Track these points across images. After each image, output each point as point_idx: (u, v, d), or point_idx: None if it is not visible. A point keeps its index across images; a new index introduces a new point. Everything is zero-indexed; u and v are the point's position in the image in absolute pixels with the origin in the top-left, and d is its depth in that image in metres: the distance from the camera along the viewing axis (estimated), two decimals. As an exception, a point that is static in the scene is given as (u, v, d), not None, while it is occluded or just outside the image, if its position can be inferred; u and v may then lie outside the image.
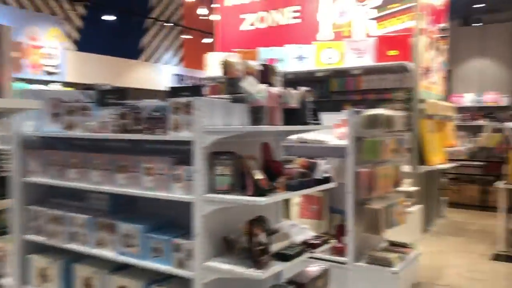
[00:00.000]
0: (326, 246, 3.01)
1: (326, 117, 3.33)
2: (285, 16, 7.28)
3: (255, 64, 2.92)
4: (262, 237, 2.53)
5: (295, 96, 2.80)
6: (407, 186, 6.21)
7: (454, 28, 11.89)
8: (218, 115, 2.60)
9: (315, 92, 3.13)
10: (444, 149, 6.90)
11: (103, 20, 12.32)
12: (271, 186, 2.54)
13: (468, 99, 11.61)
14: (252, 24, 7.47)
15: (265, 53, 6.79)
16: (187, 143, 2.59)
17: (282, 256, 2.61)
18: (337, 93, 6.82)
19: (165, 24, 14.64)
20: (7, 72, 1.71)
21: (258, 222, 2.56)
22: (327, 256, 4.25)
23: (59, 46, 10.66)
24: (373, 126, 4.18)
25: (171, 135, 2.66)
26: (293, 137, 4.10)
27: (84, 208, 3.29)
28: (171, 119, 2.63)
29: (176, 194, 2.68)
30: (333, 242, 3.20)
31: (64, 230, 3.24)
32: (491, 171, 8.48)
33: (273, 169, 2.68)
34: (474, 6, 11.25)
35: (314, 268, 3.08)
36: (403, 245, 4.62)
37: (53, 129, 3.31)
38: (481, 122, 11.19)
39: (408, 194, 6.15)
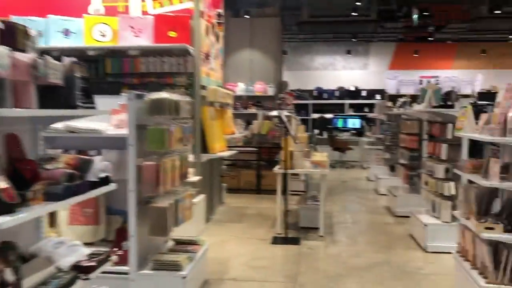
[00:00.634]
0: (104, 266, 2.32)
1: (101, 102, 2.63)
2: (47, -19, 6.07)
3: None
4: (7, 274, 1.70)
5: (57, 68, 2.00)
6: (191, 176, 5.88)
7: (227, 19, 12.20)
8: None
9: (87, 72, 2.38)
10: (224, 137, 6.79)
11: None
12: (20, 197, 1.72)
13: (240, 88, 12.06)
14: (3, -14, 6.02)
15: (21, 23, 5.49)
16: None
17: (42, 296, 1.83)
18: (113, 76, 6.02)
19: None
20: None
21: (0, 252, 1.72)
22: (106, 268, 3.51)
23: None
24: (158, 112, 3.60)
25: None
26: (58, 125, 3.21)
27: None
28: None
29: None
30: (114, 258, 2.51)
31: None
32: (264, 156, 8.88)
33: (23, 172, 1.85)
34: (244, -2, 11.70)
35: (89, 296, 2.36)
36: (191, 242, 4.21)
37: None
38: (253, 110, 11.76)
39: (192, 185, 5.83)
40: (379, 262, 4.90)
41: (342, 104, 15.76)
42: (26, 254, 2.05)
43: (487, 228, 3.38)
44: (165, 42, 5.87)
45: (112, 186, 2.46)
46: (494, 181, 3.36)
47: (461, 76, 15.38)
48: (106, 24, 5.83)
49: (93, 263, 2.21)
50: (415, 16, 10.83)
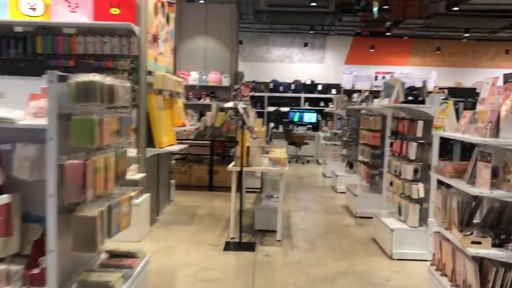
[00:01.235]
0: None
1: (18, 84, 1.97)
2: None
3: None
4: None
5: None
6: (133, 173, 5.15)
7: (180, 3, 11.39)
8: None
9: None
10: (173, 129, 6.09)
11: None
12: None
13: (193, 77, 11.31)
14: None
15: None
16: None
17: None
18: (44, 56, 5.18)
19: None
20: None
21: None
22: (17, 292, 2.79)
23: None
24: (87, 98, 2.88)
25: None
26: None
27: None
28: None
29: None
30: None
31: None
32: (217, 151, 8.23)
33: None
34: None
35: None
36: (128, 255, 3.52)
37: None
38: (207, 101, 11.08)
39: (134, 183, 5.11)
40: (343, 272, 4.39)
41: (298, 98, 15.34)
42: None
43: (473, 243, 2.91)
44: (106, 20, 5.10)
45: (6, 198, 1.75)
46: (484, 189, 2.89)
47: (416, 73, 15.32)
48: (36, -5, 4.98)
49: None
50: (375, 9, 10.48)
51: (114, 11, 5.10)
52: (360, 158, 7.17)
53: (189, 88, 11.38)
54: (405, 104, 4.90)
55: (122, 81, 3.27)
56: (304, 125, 13.41)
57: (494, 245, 2.91)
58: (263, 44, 15.91)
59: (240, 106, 5.23)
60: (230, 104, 9.66)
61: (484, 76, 15.24)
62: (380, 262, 4.70)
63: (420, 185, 4.72)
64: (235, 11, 11.51)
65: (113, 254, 3.49)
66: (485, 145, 2.95)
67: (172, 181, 7.07)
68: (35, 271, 2.92)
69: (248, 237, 5.34)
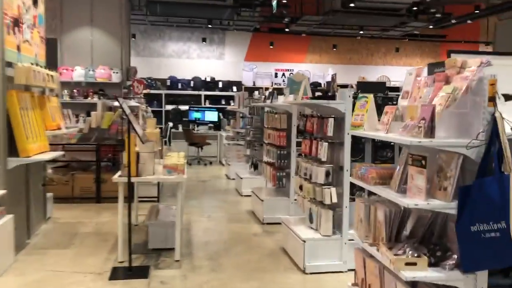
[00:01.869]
0: None
1: None
2: None
3: None
4: None
5: None
6: (-12, 191, 4.04)
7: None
8: None
9: None
10: (46, 133, 5.02)
11: None
12: None
13: (78, 73, 10.02)
14: None
15: None
16: None
17: None
18: None
19: None
20: None
21: None
22: None
23: None
24: None
25: None
26: None
27: None
28: None
29: None
30: None
31: None
32: (105, 156, 7.19)
33: None
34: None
35: None
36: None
37: None
38: (94, 99, 9.87)
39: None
40: (253, 296, 3.76)
41: (199, 96, 14.55)
42: None
43: (408, 264, 2.41)
44: None
45: None
46: (419, 200, 2.40)
47: (313, 70, 15.34)
48: None
49: None
50: (274, 3, 10.10)
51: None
52: (266, 159, 6.64)
53: (74, 85, 10.09)
54: (314, 101, 4.40)
55: None
56: (206, 124, 12.68)
57: (430, 264, 2.44)
58: (159, 38, 14.87)
59: (125, 104, 4.35)
60: (117, 103, 8.64)
61: (376, 73, 15.67)
62: (293, 279, 4.15)
63: (333, 189, 4.25)
64: (125, 0, 10.40)
65: None
66: (416, 147, 2.47)
67: (49, 195, 5.95)
68: None
69: (140, 260, 4.50)
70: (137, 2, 11.86)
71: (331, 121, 4.25)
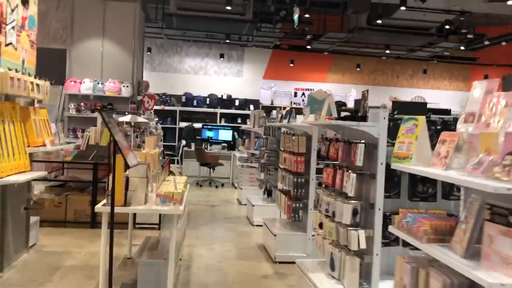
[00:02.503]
0: None
1: None
2: None
3: None
4: None
5: None
6: None
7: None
8: None
9: None
10: (30, 149, 4.34)
11: None
12: None
13: (86, 85, 9.44)
14: None
15: None
16: None
17: None
18: None
19: None
20: None
21: None
22: None
23: None
24: None
25: None
26: None
27: None
28: None
29: None
30: None
31: None
32: (103, 176, 6.47)
33: None
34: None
35: None
36: None
37: None
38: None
39: None
40: None
41: (214, 113, 13.91)
42: None
43: None
44: None
45: None
46: (508, 278, 1.57)
47: (335, 90, 14.54)
48: None
49: None
50: (296, 17, 9.44)
51: None
52: (280, 186, 5.84)
53: (82, 98, 9.52)
54: (341, 122, 3.60)
55: None
56: (219, 143, 11.96)
57: None
58: (175, 53, 14.33)
59: (108, 116, 3.61)
60: (126, 118, 7.99)
61: (402, 96, 14.71)
62: None
63: (361, 232, 3.42)
64: (139, 12, 9.86)
65: None
66: (499, 195, 1.65)
67: (34, 219, 5.24)
68: None
69: (124, 307, 3.72)
70: (154, 14, 11.34)
71: (361, 147, 3.45)
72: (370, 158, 3.53)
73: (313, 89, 14.39)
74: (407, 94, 14.62)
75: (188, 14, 10.88)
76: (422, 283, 2.04)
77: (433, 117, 3.50)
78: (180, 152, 12.39)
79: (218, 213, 7.85)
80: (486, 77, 14.66)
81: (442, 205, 3.66)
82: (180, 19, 11.28)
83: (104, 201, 3.74)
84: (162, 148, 7.50)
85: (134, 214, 5.58)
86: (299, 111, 6.01)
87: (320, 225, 3.96)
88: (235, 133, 12.34)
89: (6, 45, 4.20)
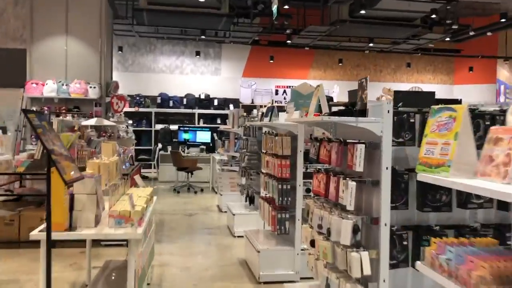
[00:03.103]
0: None
1: None
2: None
3: None
4: None
5: None
6: None
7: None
8: None
9: None
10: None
11: None
12: None
13: (50, 87, 8.59)
14: None
15: None
16: None
17: None
18: None
19: None
20: None
21: None
22: None
23: None
24: None
25: None
26: None
27: None
28: None
29: None
30: None
31: None
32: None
33: None
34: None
35: None
36: None
37: None
38: (68, 118, 8.43)
39: None
40: None
41: (192, 114, 13.13)
42: None
43: None
44: None
45: None
46: None
47: (318, 87, 13.90)
48: None
49: None
50: (274, 7, 8.77)
51: None
52: (263, 192, 5.13)
53: (45, 101, 8.66)
54: (337, 118, 2.88)
55: None
56: (197, 146, 11.19)
57: None
58: (149, 52, 13.50)
59: (38, 119, 2.84)
60: (91, 122, 7.20)
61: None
62: None
63: (364, 255, 2.73)
64: (106, 7, 9.04)
65: None
66: None
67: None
68: None
69: None
70: (123, 10, 10.52)
71: (360, 149, 2.76)
72: (371, 162, 2.86)
73: (295, 87, 13.73)
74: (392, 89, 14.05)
75: (160, 9, 10.09)
76: None
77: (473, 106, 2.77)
78: (156, 156, 11.59)
79: (196, 223, 7.10)
80: (471, 69, 14.21)
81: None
82: (152, 15, 10.48)
83: (40, 227, 2.98)
84: (131, 154, 6.73)
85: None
86: (281, 109, 5.33)
87: (312, 243, 3.26)
88: (215, 135, 11.59)
89: None
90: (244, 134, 6.67)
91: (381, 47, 13.47)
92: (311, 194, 4.57)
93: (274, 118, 4.85)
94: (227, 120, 12.49)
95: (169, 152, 10.87)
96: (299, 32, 11.65)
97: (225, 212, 7.24)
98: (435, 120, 1.65)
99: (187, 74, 13.68)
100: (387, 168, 2.76)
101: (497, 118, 2.49)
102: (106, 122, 7.37)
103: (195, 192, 9.82)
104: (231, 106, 12.98)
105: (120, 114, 8.88)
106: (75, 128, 6.35)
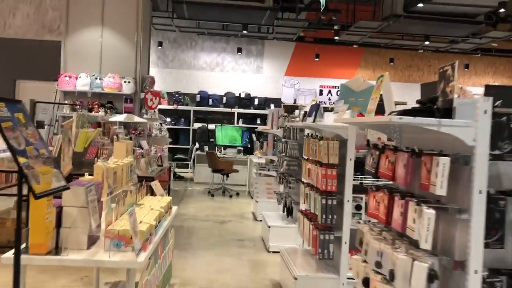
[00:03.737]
0: None
1: None
2: None
3: None
4: None
5: None
6: None
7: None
8: None
9: None
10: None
11: None
12: None
13: (83, 81, 8.16)
14: None
15: None
16: None
17: None
18: None
19: None
20: None
21: None
22: None
23: None
24: None
25: None
26: None
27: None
28: None
29: None
30: None
31: None
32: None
33: None
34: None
35: None
36: None
37: None
38: (101, 113, 8.00)
39: None
40: None
41: (231, 113, 12.51)
42: None
43: None
44: None
45: None
46: None
47: (365, 88, 12.93)
48: None
49: None
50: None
51: None
52: (303, 206, 4.36)
53: (78, 95, 8.25)
54: (409, 118, 2.06)
55: None
56: (235, 147, 10.53)
57: None
58: (189, 48, 12.99)
59: (11, 109, 2.20)
60: (120, 118, 6.67)
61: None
62: None
63: (445, 313, 1.91)
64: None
65: None
66: None
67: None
68: None
69: None
70: (164, 2, 10.02)
71: (443, 164, 1.94)
72: (456, 182, 2.04)
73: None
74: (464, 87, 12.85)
75: (201, 1, 9.51)
76: None
77: None
78: (192, 156, 11.03)
79: (227, 233, 6.40)
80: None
81: None
82: (192, 7, 9.92)
83: (10, 252, 2.34)
84: (160, 154, 6.14)
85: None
86: (325, 110, 4.55)
87: (365, 282, 2.47)
88: (254, 135, 10.90)
89: None
90: (284, 136, 5.91)
91: (437, 46, 12.33)
92: (361, 213, 3.78)
93: (319, 119, 4.07)
94: (267, 121, 11.81)
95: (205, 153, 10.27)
96: (348, 28, 10.77)
97: (260, 221, 6.52)
98: None
99: (227, 72, 13.07)
100: (480, 192, 1.93)
101: None
102: (136, 119, 6.82)
103: (230, 196, 9.16)
104: (272, 106, 12.25)
105: (154, 111, 8.33)
106: (101, 124, 5.81)
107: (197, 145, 11.18)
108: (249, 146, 10.43)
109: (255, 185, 7.32)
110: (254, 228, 6.72)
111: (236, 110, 12.47)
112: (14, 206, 5.36)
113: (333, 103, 12.13)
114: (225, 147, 10.45)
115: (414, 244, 2.13)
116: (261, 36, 12.59)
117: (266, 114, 11.84)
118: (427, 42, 11.24)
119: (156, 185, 3.56)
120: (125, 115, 6.76)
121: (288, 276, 3.89)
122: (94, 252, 2.36)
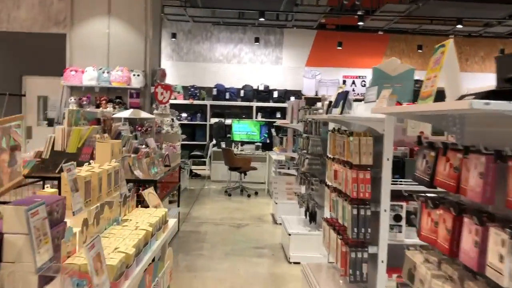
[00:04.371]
0: None
1: None
2: None
3: None
4: None
5: None
6: None
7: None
8: None
9: None
10: None
11: None
12: None
13: (90, 75, 7.61)
14: None
15: None
16: None
17: None
18: None
19: None
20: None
21: None
22: None
23: None
24: None
25: None
26: None
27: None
28: None
29: None
30: None
31: None
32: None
33: None
34: None
35: None
36: None
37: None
38: (109, 109, 7.44)
39: None
40: None
41: (249, 107, 11.84)
42: None
43: None
44: None
45: None
46: None
47: (392, 78, 12.05)
48: None
49: None
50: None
51: None
52: (329, 213, 3.67)
53: (85, 91, 7.70)
54: (504, 104, 1.35)
55: None
56: (253, 142, 9.86)
57: None
58: (205, 39, 12.35)
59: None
60: (125, 113, 6.08)
61: (473, 83, 12.00)
62: None
63: None
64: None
65: None
66: None
67: None
68: None
69: None
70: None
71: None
72: None
73: (366, 77, 11.99)
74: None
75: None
76: None
77: None
78: (208, 152, 10.42)
79: (244, 239, 5.75)
80: None
81: None
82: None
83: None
84: (167, 153, 5.52)
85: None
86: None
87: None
88: (273, 130, 10.21)
89: None
90: (305, 131, 5.20)
91: (470, 30, 11.37)
92: (401, 224, 3.05)
93: (347, 110, 3.36)
94: (286, 115, 11.09)
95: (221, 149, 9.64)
96: (373, 13, 9.95)
97: (280, 224, 5.84)
98: None
99: (245, 64, 12.38)
100: None
101: None
102: (143, 114, 6.23)
103: (248, 196, 8.50)
104: (292, 99, 11.53)
105: (165, 106, 7.72)
106: (101, 121, 5.21)
107: (214, 141, 10.56)
108: (268, 141, 9.75)
109: (274, 185, 6.64)
110: (273, 233, 6.05)
111: (255, 104, 11.79)
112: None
113: (358, 93, 11.28)
114: (243, 143, 9.79)
115: (493, 286, 1.43)
116: (279, 25, 11.85)
117: (286, 107, 11.17)
118: (459, 26, 10.30)
119: (149, 194, 2.91)
120: (130, 110, 6.17)
121: (312, 300, 3.21)
122: (46, 296, 1.72)
